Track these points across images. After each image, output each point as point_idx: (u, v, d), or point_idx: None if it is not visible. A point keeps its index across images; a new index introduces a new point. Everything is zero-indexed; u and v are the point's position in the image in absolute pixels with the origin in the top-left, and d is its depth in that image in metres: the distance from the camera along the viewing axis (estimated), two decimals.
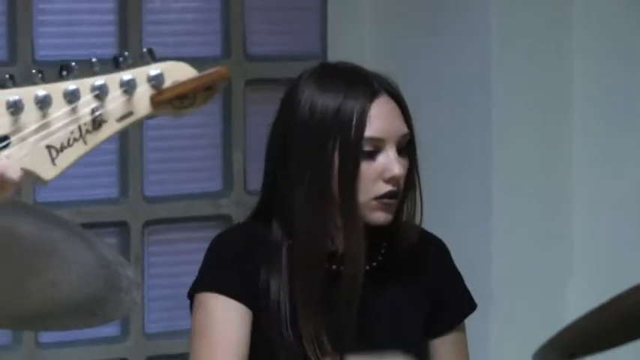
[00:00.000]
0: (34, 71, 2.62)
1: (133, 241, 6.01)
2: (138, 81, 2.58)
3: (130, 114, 2.60)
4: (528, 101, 6.06)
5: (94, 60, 2.57)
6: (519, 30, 6.08)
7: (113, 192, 5.94)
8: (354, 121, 4.23)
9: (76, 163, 2.59)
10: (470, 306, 4.50)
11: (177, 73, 2.59)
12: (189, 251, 5.28)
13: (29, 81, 2.60)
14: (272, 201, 4.34)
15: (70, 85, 2.57)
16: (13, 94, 2.58)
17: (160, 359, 5.80)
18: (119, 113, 2.59)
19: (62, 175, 2.77)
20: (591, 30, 6.17)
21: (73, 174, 5.85)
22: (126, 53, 2.56)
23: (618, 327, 3.87)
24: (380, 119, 4.27)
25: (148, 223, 6.04)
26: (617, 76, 6.10)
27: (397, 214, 4.32)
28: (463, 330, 4.51)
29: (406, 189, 4.29)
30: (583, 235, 5.94)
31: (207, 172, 5.99)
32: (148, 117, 2.58)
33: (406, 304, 4.35)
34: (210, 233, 5.16)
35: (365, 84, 4.33)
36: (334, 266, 4.22)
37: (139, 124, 2.62)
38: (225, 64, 5.80)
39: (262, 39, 6.20)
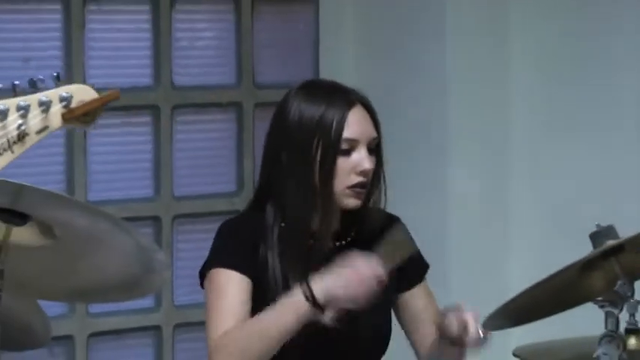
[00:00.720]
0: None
1: (164, 232, 6.05)
2: (53, 101, 2.79)
3: (46, 128, 2.82)
4: (474, 107, 6.04)
5: (16, 82, 2.78)
6: (468, 50, 6.02)
7: (149, 192, 5.90)
8: (334, 125, 4.35)
9: (5, 167, 2.82)
10: (426, 265, 4.63)
11: (82, 94, 2.82)
12: (209, 239, 5.28)
13: None
14: (266, 192, 4.46)
15: (22, 101, 2.77)
16: None
17: (186, 326, 5.81)
18: (38, 127, 2.81)
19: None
20: (529, 48, 6.05)
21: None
22: (41, 77, 2.73)
23: (550, 300, 4.08)
24: (355, 124, 4.38)
25: (176, 217, 6.06)
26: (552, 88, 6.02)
27: (365, 201, 4.45)
28: (426, 282, 4.61)
29: (373, 180, 4.43)
30: (520, 227, 5.87)
31: (223, 175, 6.04)
32: (60, 129, 2.82)
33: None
34: None
35: (343, 96, 4.45)
36: (312, 241, 4.40)
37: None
38: (238, 90, 5.99)
39: (267, 70, 6.15)
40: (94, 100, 2.77)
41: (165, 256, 4.29)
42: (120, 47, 6.13)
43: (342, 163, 4.35)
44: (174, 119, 6.05)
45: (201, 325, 5.24)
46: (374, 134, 4.43)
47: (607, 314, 3.93)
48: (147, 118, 6.06)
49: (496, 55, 6.10)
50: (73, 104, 2.76)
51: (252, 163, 5.90)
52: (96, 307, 5.65)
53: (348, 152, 4.37)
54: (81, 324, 5.52)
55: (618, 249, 3.93)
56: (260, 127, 5.61)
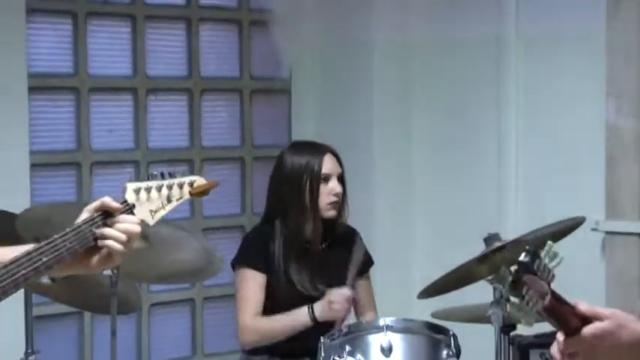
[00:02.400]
0: (155, 173, 2.81)
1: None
2: (185, 183, 2.81)
3: (180, 197, 2.81)
4: (390, 154, 5.88)
5: (162, 172, 2.80)
6: (387, 119, 5.85)
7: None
8: (315, 167, 4.48)
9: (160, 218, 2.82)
10: (371, 260, 4.71)
11: (199, 181, 2.84)
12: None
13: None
14: (273, 213, 4.55)
15: (168, 182, 2.81)
16: (140, 182, 2.78)
17: (211, 299, 5.59)
18: (177, 196, 2.79)
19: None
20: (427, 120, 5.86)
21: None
22: (176, 170, 2.79)
23: (459, 280, 4.11)
24: (328, 164, 4.50)
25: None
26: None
27: (339, 212, 4.55)
28: (369, 277, 4.69)
29: (342, 199, 4.55)
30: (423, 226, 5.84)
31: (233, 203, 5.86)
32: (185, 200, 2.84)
33: (341, 263, 4.50)
34: None
35: (319, 148, 4.59)
36: (306, 244, 4.48)
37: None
38: (242, 149, 5.77)
39: (260, 136, 5.87)
40: (205, 184, 2.83)
41: (220, 254, 4.27)
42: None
43: (322, 188, 4.49)
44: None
45: (222, 298, 5.38)
46: (339, 170, 4.56)
47: (494, 288, 4.03)
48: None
49: (402, 122, 5.89)
50: (195, 186, 2.82)
51: (250, 196, 5.74)
52: (154, 287, 5.47)
53: (325, 181, 4.50)
54: (146, 297, 5.35)
55: (501, 248, 4.00)
56: (257, 173, 5.58)
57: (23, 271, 2.52)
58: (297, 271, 4.53)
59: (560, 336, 2.33)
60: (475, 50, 5.63)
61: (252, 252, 4.58)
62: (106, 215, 2.65)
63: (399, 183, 5.86)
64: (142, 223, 2.72)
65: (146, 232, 3.78)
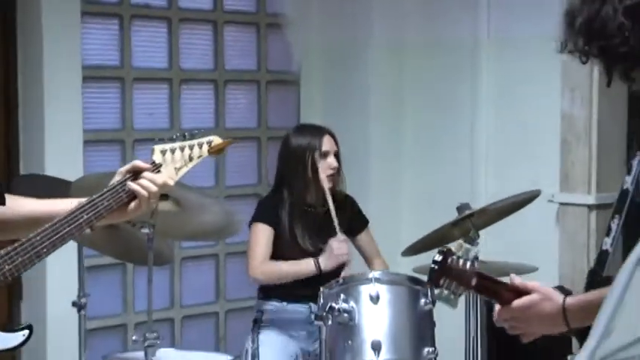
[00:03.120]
0: (178, 134, 2.77)
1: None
2: (204, 143, 2.76)
3: (200, 155, 2.75)
4: (384, 143, 5.86)
5: (185, 134, 2.77)
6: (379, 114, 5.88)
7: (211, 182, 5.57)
8: (316, 145, 4.51)
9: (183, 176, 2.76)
10: (366, 220, 4.77)
11: (215, 140, 2.78)
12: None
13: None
14: (281, 183, 4.57)
15: (189, 143, 2.75)
16: (165, 144, 2.74)
17: (232, 254, 5.58)
18: (197, 154, 2.74)
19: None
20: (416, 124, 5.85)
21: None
22: (196, 131, 2.75)
23: (432, 242, 4.12)
24: (326, 143, 4.53)
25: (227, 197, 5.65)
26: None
27: (335, 183, 4.56)
28: (368, 230, 4.75)
29: (338, 172, 4.55)
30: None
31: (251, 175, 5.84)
32: (205, 157, 2.78)
33: (341, 225, 4.49)
34: None
35: (319, 129, 4.63)
36: (308, 208, 4.55)
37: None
38: (259, 130, 5.77)
39: (274, 119, 5.83)
40: (222, 143, 2.78)
41: (239, 217, 4.31)
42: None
43: (321, 164, 4.47)
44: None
45: (242, 254, 5.19)
46: (335, 148, 4.57)
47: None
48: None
49: (393, 110, 5.86)
50: (212, 144, 2.78)
51: (265, 169, 5.72)
52: (184, 244, 5.46)
53: (324, 157, 4.52)
54: (177, 252, 5.35)
55: (470, 215, 4.05)
56: (271, 150, 5.53)
57: (67, 228, 2.51)
58: (301, 230, 4.55)
59: (496, 306, 2.40)
60: (453, 50, 5.59)
61: (264, 211, 4.60)
62: (136, 175, 2.64)
63: (390, 160, 5.82)
64: (166, 178, 2.68)
65: (177, 198, 3.87)
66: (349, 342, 3.88)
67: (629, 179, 2.33)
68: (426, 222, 4.29)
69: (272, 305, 4.55)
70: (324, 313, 3.88)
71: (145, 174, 2.62)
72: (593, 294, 2.22)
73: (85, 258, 4.22)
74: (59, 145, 4.83)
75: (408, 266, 4.37)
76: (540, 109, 5.26)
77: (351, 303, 3.92)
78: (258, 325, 4.54)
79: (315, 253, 4.50)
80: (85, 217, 2.54)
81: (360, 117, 5.80)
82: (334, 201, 4.55)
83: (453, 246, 2.48)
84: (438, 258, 2.34)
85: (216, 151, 2.80)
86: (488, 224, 4.23)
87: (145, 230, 3.81)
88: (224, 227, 4.17)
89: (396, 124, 5.83)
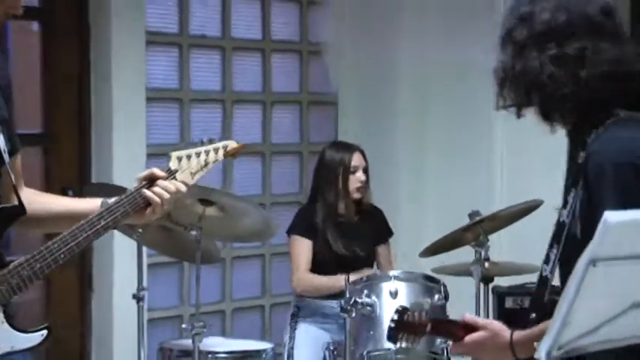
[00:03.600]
0: (196, 140, 2.72)
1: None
2: (220, 148, 2.67)
3: (216, 160, 2.67)
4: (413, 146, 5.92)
5: (203, 139, 2.70)
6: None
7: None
8: (346, 161, 4.51)
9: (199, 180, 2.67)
10: (391, 232, 4.75)
11: (231, 144, 2.69)
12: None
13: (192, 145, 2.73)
14: (316, 194, 4.57)
15: (205, 148, 2.65)
16: (182, 150, 2.66)
17: (277, 254, 5.51)
18: (213, 159, 2.65)
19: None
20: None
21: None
22: (214, 137, 2.66)
23: (448, 244, 4.17)
24: (356, 160, 4.52)
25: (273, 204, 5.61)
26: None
27: (363, 195, 4.57)
28: (388, 244, 4.72)
29: (366, 186, 4.57)
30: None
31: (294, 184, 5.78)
32: (220, 161, 2.69)
33: (368, 233, 4.61)
34: None
35: (350, 148, 4.62)
36: (340, 217, 4.54)
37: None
38: (301, 145, 5.75)
39: (316, 135, 5.79)
40: (238, 147, 2.71)
41: (275, 222, 4.27)
42: None
43: (351, 177, 4.49)
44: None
45: (284, 255, 5.15)
46: (364, 164, 4.56)
47: (475, 251, 4.05)
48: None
49: (419, 129, 5.80)
50: (229, 148, 2.70)
51: (307, 180, 5.55)
52: (236, 245, 5.40)
53: (353, 172, 4.53)
54: (228, 252, 5.36)
55: (481, 221, 4.02)
56: (312, 164, 5.29)
57: (85, 234, 2.44)
58: (334, 237, 4.55)
59: (450, 343, 2.38)
60: (472, 72, 5.29)
61: (301, 223, 4.62)
62: (152, 182, 2.55)
63: (414, 174, 5.78)
64: (183, 183, 2.60)
65: (222, 204, 3.88)
66: (371, 332, 3.93)
67: (564, 212, 2.27)
68: (447, 227, 4.24)
69: (307, 302, 4.56)
70: (349, 307, 3.92)
71: (159, 182, 2.54)
72: (538, 328, 2.14)
73: (148, 257, 4.27)
74: (125, 157, 4.84)
75: (427, 266, 4.37)
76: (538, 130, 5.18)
77: (373, 297, 3.97)
78: (295, 318, 4.56)
79: (349, 256, 4.52)
80: (103, 223, 2.48)
81: (388, 134, 5.75)
82: (362, 211, 4.60)
83: (408, 304, 2.49)
84: (395, 317, 2.30)
85: (230, 155, 2.73)
86: (497, 229, 4.21)
87: (194, 232, 3.85)
88: (262, 230, 4.19)
89: (420, 141, 5.80)
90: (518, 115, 2.27)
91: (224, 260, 5.29)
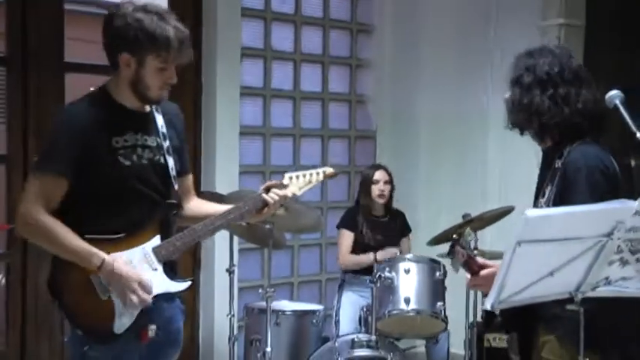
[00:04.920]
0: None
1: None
2: (321, 171, 2.59)
3: (317, 180, 2.59)
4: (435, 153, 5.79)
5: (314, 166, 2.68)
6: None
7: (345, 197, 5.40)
8: (371, 176, 4.49)
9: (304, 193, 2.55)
10: (409, 228, 4.68)
11: (328, 170, 2.61)
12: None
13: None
14: (358, 201, 4.55)
15: (310, 171, 2.54)
16: (293, 172, 2.56)
17: (330, 244, 5.27)
18: (315, 179, 2.56)
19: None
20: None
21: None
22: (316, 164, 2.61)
23: (442, 238, 4.00)
24: (377, 175, 4.49)
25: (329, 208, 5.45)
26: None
27: (387, 201, 4.52)
28: (409, 238, 4.65)
29: (389, 194, 4.51)
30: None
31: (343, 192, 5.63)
32: (320, 180, 2.57)
33: (393, 228, 4.54)
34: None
35: (377, 167, 4.60)
36: (373, 218, 4.48)
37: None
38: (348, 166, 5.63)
39: (359, 162, 5.57)
40: (333, 172, 2.61)
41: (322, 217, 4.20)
42: None
43: (373, 187, 4.45)
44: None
45: (335, 244, 4.96)
46: (387, 178, 4.51)
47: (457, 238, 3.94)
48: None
49: (433, 163, 5.65)
50: (327, 172, 2.60)
51: (353, 192, 5.36)
52: (303, 236, 5.17)
53: (376, 184, 4.43)
54: (297, 241, 5.21)
55: (470, 221, 4.02)
56: (357, 181, 5.20)
57: (218, 223, 2.44)
58: (368, 231, 4.53)
59: (468, 276, 2.40)
60: (469, 121, 5.45)
61: (347, 220, 4.60)
62: (268, 191, 2.53)
63: (428, 187, 5.65)
64: (291, 192, 2.54)
65: (287, 206, 3.67)
66: (391, 297, 3.95)
67: (542, 200, 2.40)
68: (448, 225, 4.12)
69: (349, 276, 4.57)
70: (376, 280, 3.97)
71: (274, 190, 2.53)
72: None
73: (238, 243, 4.27)
74: (225, 174, 4.85)
75: (434, 252, 4.25)
76: (522, 151, 4.91)
77: (393, 273, 3.98)
78: (341, 289, 4.58)
79: (373, 244, 4.49)
80: (231, 216, 2.48)
81: (411, 160, 5.65)
82: (391, 213, 4.54)
83: (464, 231, 2.49)
84: (455, 238, 2.38)
85: (328, 178, 2.64)
86: (483, 227, 4.19)
87: (267, 226, 3.89)
88: (314, 226, 4.19)
89: (433, 164, 5.65)
90: (521, 134, 2.43)
91: (293, 247, 5.21)
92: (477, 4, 5.24)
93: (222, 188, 4.55)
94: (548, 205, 2.31)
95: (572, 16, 4.95)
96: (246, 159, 5.12)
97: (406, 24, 5.50)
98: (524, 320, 2.29)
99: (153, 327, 2.31)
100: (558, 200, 2.24)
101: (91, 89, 2.45)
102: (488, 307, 2.02)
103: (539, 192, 2.40)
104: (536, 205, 2.41)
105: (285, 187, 2.55)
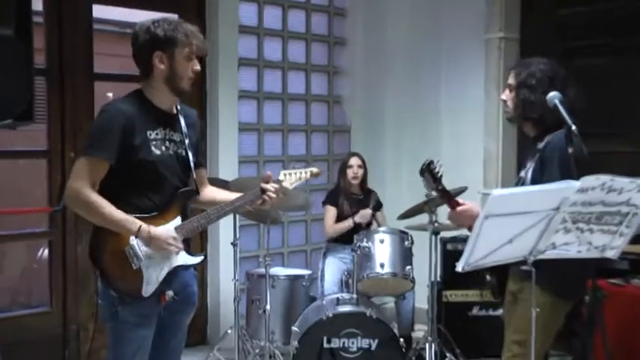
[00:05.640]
0: (297, 166, 2.49)
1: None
2: (310, 170, 2.53)
3: (307, 178, 2.51)
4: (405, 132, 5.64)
5: (295, 165, 2.66)
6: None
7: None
8: (346, 161, 4.40)
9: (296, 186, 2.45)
10: (381, 204, 4.45)
11: (315, 169, 2.53)
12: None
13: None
14: (338, 181, 4.37)
15: (300, 170, 2.46)
16: (287, 170, 2.44)
17: (316, 219, 5.19)
18: (304, 177, 2.52)
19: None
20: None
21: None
22: (303, 163, 2.49)
23: (416, 211, 3.90)
24: (351, 161, 4.41)
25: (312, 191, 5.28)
26: None
27: (361, 183, 4.42)
28: (382, 212, 4.42)
29: (362, 177, 4.38)
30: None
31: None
32: (308, 178, 2.47)
33: (368, 204, 4.40)
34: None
35: (352, 154, 4.49)
36: (350, 194, 4.39)
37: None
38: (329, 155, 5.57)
39: (337, 150, 5.51)
40: (317, 172, 2.54)
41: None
42: None
43: (348, 171, 4.44)
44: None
45: (320, 220, 4.89)
46: (359, 163, 4.39)
47: (429, 216, 3.91)
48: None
49: (397, 155, 5.59)
50: (314, 172, 2.53)
51: (332, 176, 5.30)
52: (292, 213, 5.09)
53: (350, 168, 4.42)
54: (286, 218, 5.16)
55: (432, 199, 3.78)
56: (335, 168, 5.15)
57: (227, 209, 2.43)
58: (347, 205, 4.48)
59: (449, 210, 2.43)
60: (425, 117, 5.41)
61: (331, 197, 4.55)
62: (267, 184, 2.48)
63: (394, 170, 5.54)
64: (285, 187, 2.50)
65: (286, 191, 3.75)
66: (368, 263, 3.95)
67: (523, 172, 2.56)
68: (414, 202, 4.02)
69: (332, 245, 4.55)
70: (356, 248, 3.98)
71: (271, 184, 2.49)
72: None
73: (239, 220, 4.21)
74: (226, 163, 4.77)
75: (402, 225, 4.20)
76: (469, 142, 5.07)
77: (369, 243, 3.98)
78: (325, 256, 4.55)
79: (351, 215, 4.45)
80: (238, 203, 2.46)
81: (379, 148, 5.52)
82: (365, 191, 4.47)
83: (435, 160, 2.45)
84: (426, 163, 2.41)
85: (314, 176, 2.58)
86: (440, 204, 4.10)
87: (266, 207, 3.59)
88: (304, 205, 4.16)
89: (397, 152, 5.53)
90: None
91: (283, 223, 5.16)
92: (429, 21, 5.22)
93: (224, 175, 4.54)
94: (526, 175, 2.41)
95: (509, 31, 4.99)
96: (244, 151, 5.09)
97: (374, 38, 5.48)
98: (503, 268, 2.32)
99: (170, 292, 2.36)
100: (538, 172, 2.32)
101: (108, 94, 2.46)
102: (459, 269, 2.07)
103: (521, 166, 2.49)
104: (518, 173, 2.48)
105: (280, 182, 2.53)
